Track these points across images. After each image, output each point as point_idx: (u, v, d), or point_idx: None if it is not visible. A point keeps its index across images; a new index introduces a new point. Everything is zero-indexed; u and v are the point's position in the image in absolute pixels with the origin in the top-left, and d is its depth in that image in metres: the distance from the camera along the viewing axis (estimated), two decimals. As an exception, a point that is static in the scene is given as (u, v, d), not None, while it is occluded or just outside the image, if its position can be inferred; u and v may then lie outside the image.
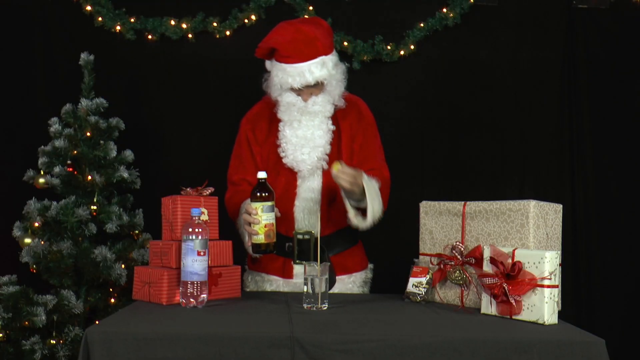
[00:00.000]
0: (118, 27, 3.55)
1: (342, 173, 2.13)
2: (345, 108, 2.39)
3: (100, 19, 3.53)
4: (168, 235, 2.10)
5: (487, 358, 1.55)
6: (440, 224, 2.15)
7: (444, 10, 3.67)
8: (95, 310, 3.14)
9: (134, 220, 3.17)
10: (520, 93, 3.75)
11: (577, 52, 3.74)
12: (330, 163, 2.32)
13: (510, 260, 1.81)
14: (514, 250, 1.82)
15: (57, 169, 3.08)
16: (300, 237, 2.29)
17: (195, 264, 1.89)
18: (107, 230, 3.05)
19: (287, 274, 2.40)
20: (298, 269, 2.36)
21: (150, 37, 3.59)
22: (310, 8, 3.61)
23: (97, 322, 2.81)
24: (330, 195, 2.35)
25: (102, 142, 3.16)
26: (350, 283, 2.44)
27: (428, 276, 2.12)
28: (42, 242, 3.01)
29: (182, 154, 3.62)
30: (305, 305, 1.94)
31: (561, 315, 1.81)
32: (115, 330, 1.56)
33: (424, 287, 2.12)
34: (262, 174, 2.07)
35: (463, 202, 2.09)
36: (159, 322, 1.68)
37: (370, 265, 2.54)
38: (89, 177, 3.07)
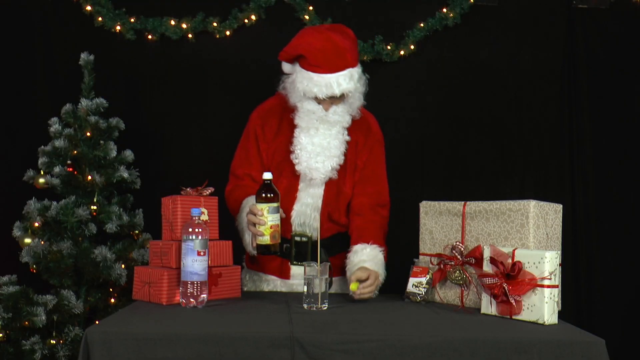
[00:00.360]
0: (118, 27, 3.54)
1: (364, 289, 2.11)
2: (355, 121, 2.38)
3: (100, 19, 3.53)
4: (168, 235, 2.10)
5: (487, 358, 1.55)
6: (440, 224, 2.15)
7: (444, 10, 3.67)
8: (95, 310, 3.14)
9: (134, 220, 3.17)
10: (520, 93, 3.75)
11: (577, 52, 3.73)
12: (340, 172, 2.32)
13: (510, 260, 1.81)
14: (514, 250, 1.82)
15: (57, 169, 3.07)
16: (298, 239, 2.30)
17: (195, 264, 1.89)
18: (107, 230, 3.05)
19: (285, 274, 2.41)
20: (295, 269, 2.36)
21: (150, 37, 3.59)
22: (310, 8, 3.61)
23: (97, 322, 2.81)
24: (331, 203, 2.35)
25: (102, 142, 3.16)
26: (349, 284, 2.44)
27: (428, 276, 2.12)
28: (42, 242, 3.01)
29: (182, 154, 3.62)
30: (305, 305, 1.94)
31: (561, 315, 1.81)
32: (115, 330, 1.56)
33: (424, 287, 2.12)
34: (268, 175, 2.07)
35: (463, 202, 2.09)
36: (159, 322, 1.68)
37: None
38: (89, 177, 3.07)
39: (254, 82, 3.63)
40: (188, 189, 2.09)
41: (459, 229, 2.10)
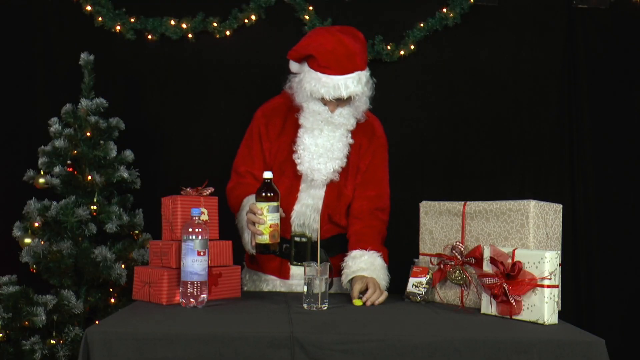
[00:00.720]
0: (118, 27, 3.55)
1: (371, 298, 2.09)
2: (360, 124, 2.37)
3: (100, 19, 3.53)
4: (168, 235, 2.10)
5: (487, 358, 1.55)
6: (440, 224, 2.15)
7: (444, 10, 3.67)
8: (95, 310, 3.14)
9: (134, 220, 3.17)
10: (520, 93, 3.75)
11: (577, 52, 3.74)
12: (342, 174, 2.32)
13: (510, 260, 1.81)
14: (514, 250, 1.82)
15: (57, 169, 3.07)
16: (297, 239, 2.30)
17: (195, 264, 1.89)
18: (107, 230, 3.05)
19: (284, 274, 2.41)
20: (295, 270, 2.36)
21: (150, 37, 3.59)
22: (310, 8, 3.61)
23: (97, 322, 2.81)
24: (331, 205, 2.35)
25: (102, 142, 3.16)
26: (348, 284, 2.44)
27: (428, 276, 2.12)
28: (42, 242, 3.01)
29: (182, 154, 3.62)
30: (305, 305, 1.94)
31: (561, 315, 1.81)
32: (115, 330, 1.55)
33: (424, 287, 2.12)
34: (268, 174, 2.07)
35: (463, 202, 2.09)
36: (159, 322, 1.68)
37: None
38: (89, 177, 3.07)
39: (254, 82, 3.64)
40: (188, 189, 2.09)
41: (459, 229, 2.10)
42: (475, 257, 1.99)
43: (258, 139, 2.39)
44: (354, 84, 2.22)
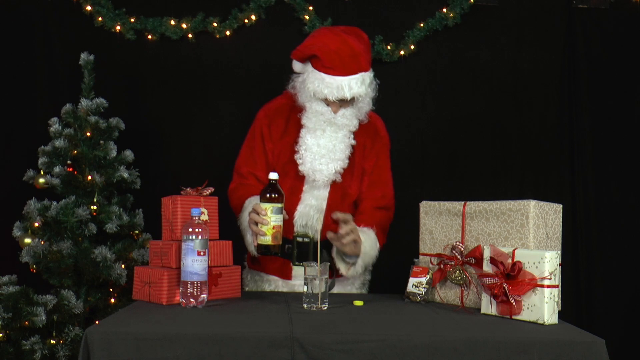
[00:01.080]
0: (118, 27, 3.55)
1: (342, 240, 2.14)
2: (363, 124, 2.38)
3: (100, 19, 3.53)
4: (168, 235, 2.10)
5: (487, 358, 1.55)
6: (440, 224, 2.15)
7: (444, 10, 3.67)
8: (95, 310, 3.14)
9: (134, 220, 3.16)
10: (520, 93, 3.75)
11: (577, 52, 3.74)
12: (343, 176, 2.32)
13: (510, 260, 1.81)
14: (514, 250, 1.82)
15: (57, 169, 3.07)
16: (300, 239, 2.29)
17: (195, 264, 1.89)
18: (107, 230, 3.05)
19: (286, 274, 2.40)
20: (297, 270, 2.36)
21: (150, 37, 3.59)
22: (310, 8, 3.61)
23: (97, 322, 2.81)
24: (336, 206, 2.34)
25: (102, 142, 3.16)
26: (349, 285, 2.44)
27: (428, 276, 2.12)
28: (42, 242, 3.01)
29: (182, 154, 3.63)
30: (305, 305, 1.94)
31: (561, 315, 1.81)
32: (115, 330, 1.55)
33: (424, 287, 2.12)
34: (273, 175, 2.06)
35: (463, 202, 2.09)
36: (159, 322, 1.68)
37: (369, 267, 2.54)
38: (89, 177, 3.07)
39: (254, 82, 3.64)
40: (188, 189, 2.09)
41: (459, 229, 2.10)
42: (475, 257, 1.99)
43: (260, 139, 2.39)
44: (358, 85, 2.22)
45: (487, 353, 1.55)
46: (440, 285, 2.13)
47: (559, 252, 1.80)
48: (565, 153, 3.74)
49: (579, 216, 3.71)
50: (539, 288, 1.74)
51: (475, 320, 1.80)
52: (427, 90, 3.73)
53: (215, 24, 3.59)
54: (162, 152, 3.61)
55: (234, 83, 3.65)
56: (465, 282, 2.04)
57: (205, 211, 2.08)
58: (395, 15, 3.70)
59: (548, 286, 1.73)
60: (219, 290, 2.07)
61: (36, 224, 3.05)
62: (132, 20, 3.56)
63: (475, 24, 3.72)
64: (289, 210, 2.30)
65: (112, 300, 3.14)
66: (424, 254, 2.20)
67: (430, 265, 2.17)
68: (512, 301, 1.78)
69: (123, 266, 3.02)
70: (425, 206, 2.22)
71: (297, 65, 2.34)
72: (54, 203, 3.03)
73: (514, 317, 1.80)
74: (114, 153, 3.14)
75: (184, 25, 3.56)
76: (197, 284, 1.90)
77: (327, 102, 2.27)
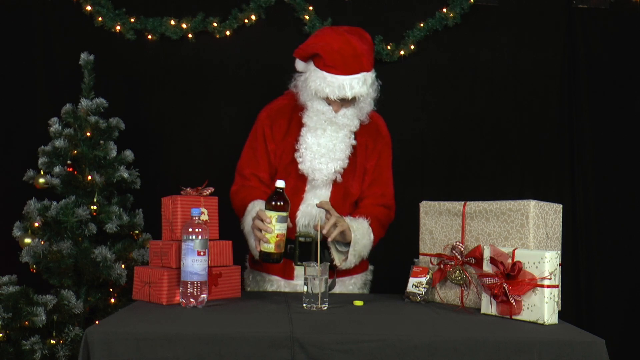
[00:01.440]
0: (118, 27, 3.55)
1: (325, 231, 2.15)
2: (365, 124, 2.37)
3: (100, 19, 3.53)
4: (168, 235, 2.10)
5: (487, 358, 1.55)
6: (440, 224, 2.15)
7: (444, 10, 3.67)
8: (95, 310, 3.14)
9: (134, 220, 3.17)
10: (520, 93, 3.75)
11: (577, 52, 3.74)
12: (344, 176, 2.32)
13: (510, 260, 1.81)
14: (514, 250, 1.82)
15: (57, 169, 3.07)
16: (302, 239, 2.29)
17: (195, 264, 1.89)
18: (107, 230, 3.05)
19: (288, 274, 2.40)
20: (299, 270, 2.35)
21: (150, 37, 3.59)
22: (310, 8, 3.61)
23: (97, 322, 2.81)
24: (337, 205, 2.34)
25: (102, 142, 3.16)
26: (350, 285, 2.44)
27: (428, 276, 2.12)
28: (42, 242, 3.01)
29: (182, 154, 3.63)
30: (305, 305, 1.94)
31: (561, 315, 1.81)
32: (115, 330, 1.55)
33: (424, 287, 2.12)
34: (280, 183, 2.05)
35: (463, 202, 2.09)
36: (159, 322, 1.68)
37: (371, 267, 2.54)
38: (89, 177, 3.07)
39: (254, 82, 3.64)
40: (188, 189, 2.09)
41: (459, 229, 2.09)
42: (475, 257, 1.99)
43: (263, 140, 2.39)
44: (359, 84, 2.22)
45: (487, 353, 1.55)
46: (440, 285, 2.13)
47: (559, 252, 1.80)
48: (565, 153, 3.74)
49: (579, 216, 3.71)
50: (539, 288, 1.74)
51: (475, 320, 1.80)
52: (427, 90, 3.73)
53: (215, 24, 3.59)
54: (162, 152, 3.61)
55: (234, 83, 3.65)
56: (465, 282, 2.04)
57: (205, 211, 2.08)
58: (395, 15, 3.70)
59: (548, 286, 1.73)
60: (219, 290, 2.07)
61: (36, 224, 3.05)
62: (132, 20, 3.56)
63: (475, 24, 3.72)
64: (291, 210, 2.30)
65: (112, 300, 3.14)
66: (424, 254, 2.20)
67: (430, 265, 2.17)
68: (512, 301, 1.78)
69: (123, 266, 3.02)
70: (425, 206, 2.22)
71: (299, 64, 2.34)
72: (54, 203, 3.03)
73: (514, 317, 1.80)
74: (114, 153, 3.14)
75: (184, 25, 3.56)
76: (197, 284, 1.90)
77: (328, 101, 2.27)
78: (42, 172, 3.14)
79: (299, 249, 2.28)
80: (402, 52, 3.65)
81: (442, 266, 2.10)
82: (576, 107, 3.74)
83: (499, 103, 3.74)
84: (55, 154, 3.10)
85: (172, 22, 3.56)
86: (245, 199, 2.32)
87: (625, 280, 3.69)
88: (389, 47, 3.64)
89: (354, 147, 2.35)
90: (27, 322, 2.86)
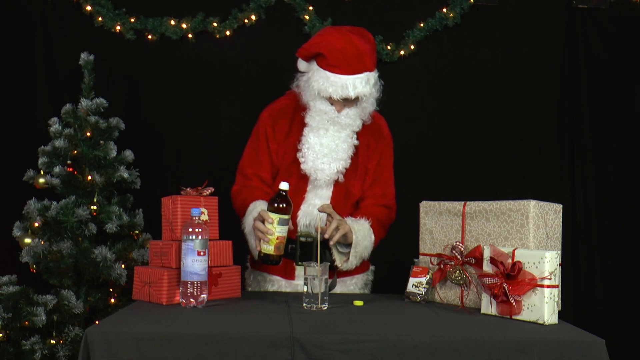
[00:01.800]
0: (118, 27, 3.55)
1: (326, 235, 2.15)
2: (367, 124, 2.37)
3: (100, 19, 3.53)
4: (168, 235, 2.10)
5: (487, 358, 1.55)
6: (440, 224, 2.15)
7: (444, 10, 3.67)
8: (95, 310, 3.14)
9: (134, 220, 3.17)
10: (520, 93, 3.75)
11: (577, 52, 3.74)
12: (346, 175, 2.32)
13: (510, 260, 1.81)
14: (514, 250, 1.82)
15: (57, 169, 3.08)
16: (303, 239, 2.29)
17: (195, 264, 1.89)
18: (107, 230, 3.05)
19: (289, 274, 2.40)
20: (300, 270, 2.35)
21: (150, 37, 3.60)
22: (310, 8, 3.61)
23: (97, 322, 2.81)
24: (339, 205, 2.34)
25: (102, 142, 3.16)
26: (352, 285, 2.44)
27: (428, 276, 2.12)
28: (42, 242, 3.01)
29: (182, 154, 3.63)
30: (305, 305, 1.94)
31: (561, 315, 1.81)
32: (115, 330, 1.55)
33: (424, 287, 2.12)
34: (284, 186, 2.05)
35: (463, 202, 2.09)
36: (159, 322, 1.68)
37: (372, 267, 2.54)
38: (89, 177, 3.07)
39: (254, 82, 3.64)
40: (188, 189, 2.09)
41: (459, 229, 2.09)
42: (475, 257, 1.99)
43: (265, 140, 2.39)
44: (362, 84, 2.22)
45: (487, 353, 1.55)
46: (440, 285, 2.13)
47: (559, 252, 1.80)
48: (565, 153, 3.74)
49: (579, 216, 3.70)
50: (539, 288, 1.74)
51: (475, 320, 1.80)
52: (427, 90, 3.73)
53: (215, 24, 3.59)
54: (162, 152, 3.61)
55: (234, 83, 3.65)
56: (465, 282, 2.04)
57: (205, 211, 2.08)
58: (395, 15, 3.70)
59: (548, 286, 1.73)
60: (219, 290, 2.07)
61: (36, 224, 3.05)
62: (132, 20, 3.56)
63: (475, 24, 3.72)
64: (293, 210, 2.30)
65: (112, 300, 3.14)
66: (424, 254, 2.20)
67: (430, 265, 2.17)
68: (512, 301, 1.78)
69: (123, 266, 3.02)
70: (425, 206, 2.22)
71: (302, 64, 2.34)
72: (54, 203, 3.03)
73: (514, 317, 1.80)
74: (114, 153, 3.14)
75: (184, 25, 3.56)
76: (197, 284, 1.90)
77: (331, 101, 2.27)
78: (42, 172, 3.14)
79: (300, 249, 2.28)
80: (402, 52, 3.65)
81: (442, 266, 2.10)
82: (576, 107, 3.74)
83: (499, 103, 3.74)
84: (55, 154, 3.10)
85: (172, 22, 3.56)
86: (246, 199, 2.32)
87: (625, 280, 3.69)
88: (389, 47, 3.64)
89: (356, 147, 2.35)
90: (27, 322, 2.86)
